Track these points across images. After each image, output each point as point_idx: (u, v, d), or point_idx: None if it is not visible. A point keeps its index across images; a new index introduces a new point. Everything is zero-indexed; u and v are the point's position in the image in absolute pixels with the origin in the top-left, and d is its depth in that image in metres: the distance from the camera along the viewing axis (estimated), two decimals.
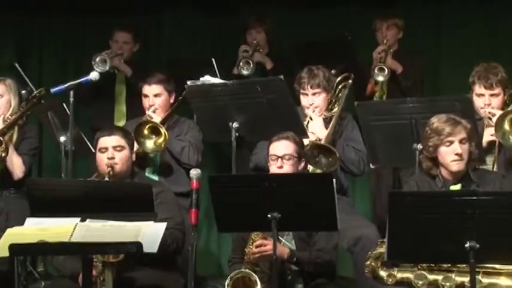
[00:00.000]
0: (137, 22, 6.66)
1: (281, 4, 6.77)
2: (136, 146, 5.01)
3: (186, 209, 4.42)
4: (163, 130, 5.24)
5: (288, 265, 4.36)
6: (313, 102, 5.11)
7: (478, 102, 4.93)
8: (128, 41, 6.32)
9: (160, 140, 5.26)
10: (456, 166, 4.27)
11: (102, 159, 4.57)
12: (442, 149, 4.28)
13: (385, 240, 3.68)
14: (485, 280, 3.89)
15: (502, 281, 3.89)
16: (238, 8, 6.79)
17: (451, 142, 4.27)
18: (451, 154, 4.26)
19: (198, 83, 5.23)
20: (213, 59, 5.99)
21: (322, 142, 4.91)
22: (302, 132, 4.89)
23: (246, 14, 6.52)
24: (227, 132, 5.07)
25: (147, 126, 5.28)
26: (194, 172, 4.06)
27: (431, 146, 4.30)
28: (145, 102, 5.49)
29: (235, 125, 5.04)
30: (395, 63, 6.04)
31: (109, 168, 4.51)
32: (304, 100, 5.15)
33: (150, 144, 5.28)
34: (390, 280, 4.08)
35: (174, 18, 7.06)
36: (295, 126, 4.85)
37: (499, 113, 4.81)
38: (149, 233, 3.62)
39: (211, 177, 4.07)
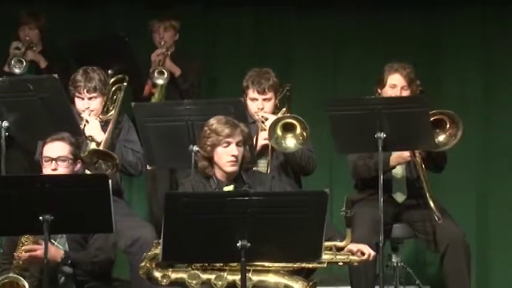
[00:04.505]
0: None
1: (57, 1, 6.59)
2: None
3: None
4: None
5: (60, 268, 4.24)
6: (89, 106, 5.01)
7: (252, 106, 5.09)
8: None
9: None
10: (231, 168, 4.38)
11: None
12: (219, 150, 4.36)
13: (161, 241, 3.70)
14: (255, 278, 4.03)
15: (270, 277, 4.05)
16: (8, 2, 6.49)
17: (229, 143, 4.36)
18: (228, 155, 4.36)
19: None
20: None
21: (101, 147, 4.83)
22: (78, 132, 4.78)
23: (19, 9, 6.26)
24: None
25: None
26: None
27: (210, 146, 4.37)
28: None
29: (4, 124, 4.79)
30: (174, 66, 6.10)
31: None
32: (80, 104, 5.01)
33: None
34: (165, 281, 4.11)
35: None
36: (70, 126, 4.73)
37: (271, 117, 5.00)
38: None
39: None
